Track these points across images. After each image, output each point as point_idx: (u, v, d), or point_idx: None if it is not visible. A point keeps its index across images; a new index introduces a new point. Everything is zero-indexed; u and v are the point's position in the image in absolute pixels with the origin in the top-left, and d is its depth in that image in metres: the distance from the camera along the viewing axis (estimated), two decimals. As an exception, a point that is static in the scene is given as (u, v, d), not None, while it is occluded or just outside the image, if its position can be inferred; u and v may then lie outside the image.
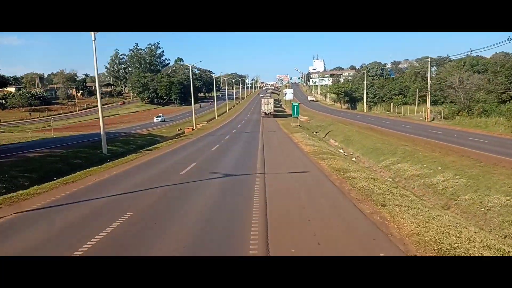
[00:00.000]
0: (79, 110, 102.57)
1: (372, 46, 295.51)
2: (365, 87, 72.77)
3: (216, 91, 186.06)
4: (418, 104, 68.36)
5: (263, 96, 67.35)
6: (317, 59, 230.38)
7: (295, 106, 44.21)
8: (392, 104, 68.06)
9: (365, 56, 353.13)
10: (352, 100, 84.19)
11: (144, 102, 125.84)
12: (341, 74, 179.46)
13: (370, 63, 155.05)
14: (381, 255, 6.39)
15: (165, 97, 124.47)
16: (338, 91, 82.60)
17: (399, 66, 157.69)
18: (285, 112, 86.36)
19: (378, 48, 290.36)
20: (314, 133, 48.26)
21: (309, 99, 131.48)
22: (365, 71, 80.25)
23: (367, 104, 73.72)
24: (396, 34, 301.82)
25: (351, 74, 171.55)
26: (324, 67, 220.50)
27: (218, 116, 73.61)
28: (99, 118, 27.75)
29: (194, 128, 51.21)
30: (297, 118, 46.00)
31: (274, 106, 69.33)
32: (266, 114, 65.69)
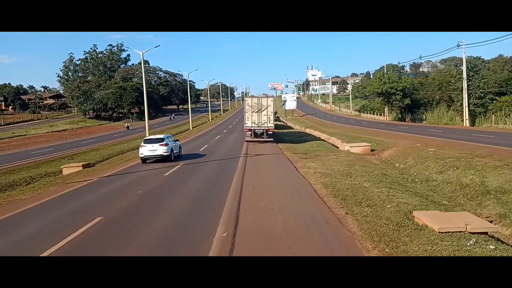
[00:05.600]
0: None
1: (369, 54, 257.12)
2: (464, 76, 32.30)
3: (197, 102, 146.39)
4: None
5: (251, 97, 26.35)
6: (311, 69, 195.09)
7: None
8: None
9: (361, 65, 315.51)
10: (414, 106, 44.17)
11: (87, 116, 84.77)
12: (346, 81, 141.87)
13: (383, 66, 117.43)
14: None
15: (116, 109, 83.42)
16: (392, 88, 41.48)
17: (420, 69, 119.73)
18: (291, 128, 45.79)
19: (375, 55, 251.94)
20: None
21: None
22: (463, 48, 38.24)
23: (469, 112, 33.11)
24: (391, 40, 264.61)
25: (356, 81, 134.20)
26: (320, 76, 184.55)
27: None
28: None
29: None
30: None
31: (274, 118, 28.71)
32: (257, 135, 25.43)
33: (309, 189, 10.33)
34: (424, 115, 42.89)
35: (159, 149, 18.10)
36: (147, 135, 33.50)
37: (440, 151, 18.52)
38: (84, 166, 20.13)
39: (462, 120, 34.89)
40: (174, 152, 19.28)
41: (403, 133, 29.32)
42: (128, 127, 59.79)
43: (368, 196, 9.34)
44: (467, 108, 33.19)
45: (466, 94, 33.12)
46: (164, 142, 18.39)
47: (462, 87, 33.67)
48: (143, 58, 32.36)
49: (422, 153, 18.54)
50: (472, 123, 33.93)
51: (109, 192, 11.25)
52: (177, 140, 22.17)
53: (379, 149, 22.23)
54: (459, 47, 31.75)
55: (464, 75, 33.10)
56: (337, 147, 26.28)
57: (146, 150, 18.27)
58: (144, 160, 18.54)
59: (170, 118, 77.87)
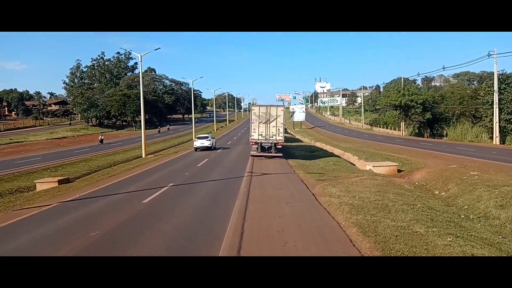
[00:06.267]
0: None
1: (378, 67, 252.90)
2: (495, 89, 28.60)
3: (203, 112, 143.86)
4: None
5: (259, 106, 23.00)
6: (320, 81, 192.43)
7: None
8: None
9: (370, 78, 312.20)
10: (433, 121, 40.66)
11: (90, 124, 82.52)
12: (356, 94, 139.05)
13: (394, 80, 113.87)
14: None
15: (119, 117, 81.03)
16: (411, 101, 37.93)
17: (432, 83, 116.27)
18: (300, 141, 42.55)
19: (384, 68, 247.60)
20: None
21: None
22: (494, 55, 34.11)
23: (499, 129, 29.31)
24: (401, 53, 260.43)
25: (365, 94, 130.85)
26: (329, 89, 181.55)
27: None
28: None
29: None
30: None
31: (284, 129, 25.38)
32: (264, 149, 22.24)
33: (340, 236, 7.05)
34: (444, 131, 39.30)
35: (206, 143, 29.46)
36: (143, 144, 30.79)
37: (486, 175, 15.14)
38: (60, 182, 17.07)
39: (491, 138, 31.28)
40: (213, 145, 30.71)
41: (428, 150, 25.92)
42: (101, 140, 46.50)
43: (435, 255, 6.05)
44: (497, 124, 29.63)
45: (497, 109, 29.59)
46: (208, 139, 30.22)
47: (492, 101, 30.18)
48: (141, 60, 29.67)
49: (464, 178, 15.15)
50: (502, 141, 30.31)
51: (55, 231, 8.00)
52: (214, 138, 34.00)
53: (407, 170, 18.89)
54: (490, 56, 28.48)
55: (496, 88, 29.53)
56: (354, 165, 22.99)
57: (198, 143, 29.62)
58: (196, 149, 29.25)
59: (159, 131, 64.99)
